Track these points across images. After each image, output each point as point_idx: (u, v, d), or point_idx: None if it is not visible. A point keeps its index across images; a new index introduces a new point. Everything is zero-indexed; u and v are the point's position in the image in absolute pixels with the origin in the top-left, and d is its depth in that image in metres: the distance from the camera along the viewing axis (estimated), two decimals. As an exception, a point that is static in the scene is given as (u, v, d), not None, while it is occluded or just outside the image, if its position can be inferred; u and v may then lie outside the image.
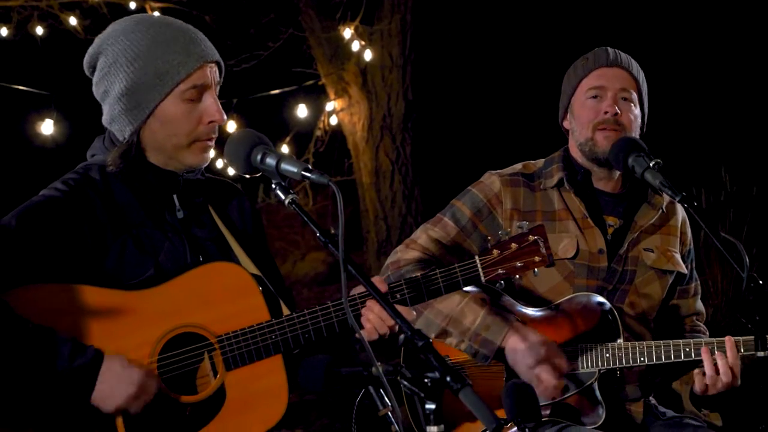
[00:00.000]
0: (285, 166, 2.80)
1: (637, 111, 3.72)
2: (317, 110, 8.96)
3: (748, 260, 3.10)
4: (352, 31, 8.68)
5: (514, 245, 3.03)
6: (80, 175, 3.02)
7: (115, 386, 2.80)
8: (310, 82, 9.04)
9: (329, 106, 8.96)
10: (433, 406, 2.54)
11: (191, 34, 3.02)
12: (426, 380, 2.54)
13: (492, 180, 3.78)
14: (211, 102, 3.01)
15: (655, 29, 8.91)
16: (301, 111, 8.68)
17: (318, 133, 8.99)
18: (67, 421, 2.81)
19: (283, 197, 2.81)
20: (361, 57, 8.70)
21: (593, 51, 3.77)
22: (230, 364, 2.91)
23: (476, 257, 3.04)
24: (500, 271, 3.04)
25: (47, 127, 6.83)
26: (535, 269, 3.08)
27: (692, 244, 3.89)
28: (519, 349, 3.52)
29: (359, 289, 3.05)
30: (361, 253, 9.90)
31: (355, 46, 8.68)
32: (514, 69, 8.98)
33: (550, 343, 3.52)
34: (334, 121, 9.00)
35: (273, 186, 2.84)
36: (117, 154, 3.00)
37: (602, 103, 3.67)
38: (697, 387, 3.51)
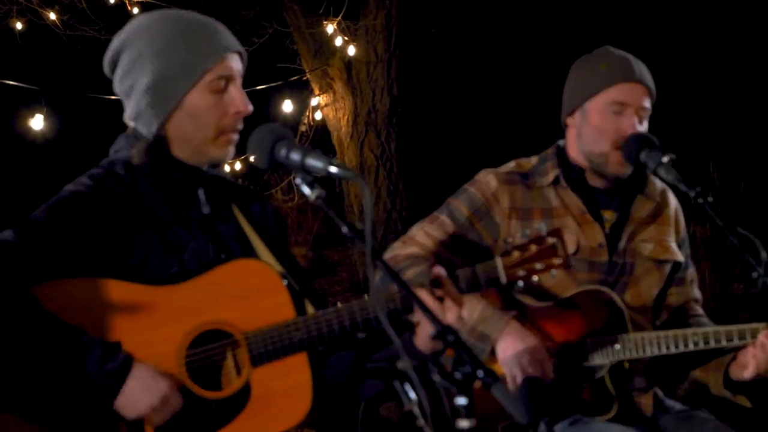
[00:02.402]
0: (310, 161, 2.79)
1: (647, 124, 3.75)
2: (302, 106, 8.95)
3: (766, 255, 3.13)
4: (336, 26, 8.68)
5: (534, 247, 3.04)
6: (105, 170, 3.02)
7: (139, 395, 2.78)
8: (295, 77, 9.02)
9: (314, 101, 8.96)
10: (464, 401, 2.55)
11: (214, 26, 3.05)
12: (457, 374, 2.55)
13: (488, 178, 3.79)
14: (236, 92, 3.03)
15: (641, 25, 8.95)
16: (286, 106, 8.68)
17: (302, 128, 8.98)
18: (91, 420, 2.80)
19: (309, 193, 2.80)
20: (346, 52, 8.70)
21: (616, 57, 3.72)
22: (256, 361, 2.91)
23: (498, 258, 3.05)
24: (520, 273, 3.05)
25: (37, 123, 6.78)
26: (554, 271, 3.09)
27: (686, 231, 3.93)
28: (507, 355, 3.53)
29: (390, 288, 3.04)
30: (345, 248, 9.90)
31: (340, 41, 8.68)
32: (500, 64, 9.00)
33: (539, 352, 3.53)
34: (318, 116, 9.00)
35: (298, 182, 2.83)
36: (142, 148, 3.00)
37: (624, 119, 3.67)
38: (742, 374, 3.52)
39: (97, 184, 2.96)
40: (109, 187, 2.97)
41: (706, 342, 3.52)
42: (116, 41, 3.05)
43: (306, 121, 8.97)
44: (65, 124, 7.18)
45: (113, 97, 7.74)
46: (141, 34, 3.01)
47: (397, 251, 3.72)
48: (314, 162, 2.79)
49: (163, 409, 2.80)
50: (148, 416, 2.80)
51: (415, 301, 2.70)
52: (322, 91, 8.95)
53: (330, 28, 8.66)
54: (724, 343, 3.51)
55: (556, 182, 3.77)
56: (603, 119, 3.69)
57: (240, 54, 3.07)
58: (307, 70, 8.97)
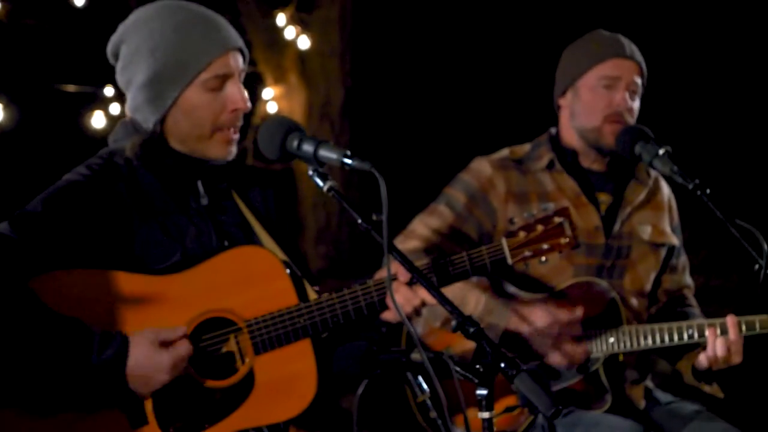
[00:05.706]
0: (323, 153, 2.79)
1: (638, 103, 3.81)
2: (255, 97, 8.86)
3: (767, 247, 3.17)
4: (290, 17, 8.61)
5: (540, 227, 3.00)
6: (104, 160, 2.99)
7: (146, 376, 2.78)
8: (248, 68, 8.92)
9: (267, 93, 8.88)
10: (485, 392, 2.55)
11: (213, 21, 2.99)
12: (478, 366, 2.55)
13: (482, 165, 3.82)
14: (234, 90, 2.99)
15: (623, 23, 8.97)
16: (239, 98, 8.57)
17: (256, 120, 8.90)
18: (94, 408, 2.79)
19: (321, 184, 2.80)
20: (300, 43, 8.63)
21: (607, 36, 3.80)
22: (259, 348, 2.89)
23: (503, 239, 3.01)
24: (527, 253, 3.01)
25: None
26: (561, 251, 3.06)
27: (679, 218, 3.97)
28: (530, 329, 3.56)
29: (381, 273, 3.03)
30: (299, 240, 9.85)
31: (293, 32, 8.60)
32: (457, 57, 9.00)
33: (554, 313, 3.57)
34: (272, 108, 8.91)
35: (310, 173, 2.83)
36: (138, 142, 2.97)
37: (615, 93, 3.73)
38: (700, 364, 3.56)
39: (94, 174, 2.94)
40: (108, 176, 2.94)
41: (701, 334, 3.55)
42: (117, 33, 3.03)
43: (259, 113, 8.89)
44: (25, 115, 7.05)
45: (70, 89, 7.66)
46: (139, 28, 2.97)
47: (398, 247, 3.70)
48: (328, 153, 2.79)
49: (174, 375, 2.80)
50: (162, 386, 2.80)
51: (431, 290, 2.70)
52: (276, 83, 8.88)
53: (283, 19, 8.59)
54: (717, 333, 3.52)
55: (550, 166, 3.80)
56: (594, 94, 3.74)
57: (240, 50, 3.02)
58: (260, 61, 8.89)
